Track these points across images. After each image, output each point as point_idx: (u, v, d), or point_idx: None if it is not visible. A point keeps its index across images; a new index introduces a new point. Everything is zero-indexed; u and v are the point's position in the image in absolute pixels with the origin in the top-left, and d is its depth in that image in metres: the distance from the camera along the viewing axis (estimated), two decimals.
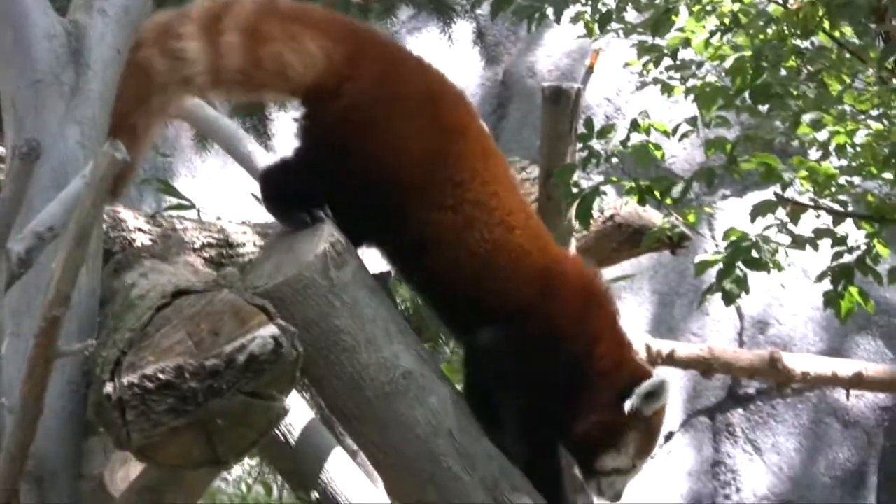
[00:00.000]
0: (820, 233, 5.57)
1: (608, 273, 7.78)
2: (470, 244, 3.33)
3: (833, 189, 5.49)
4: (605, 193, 5.52)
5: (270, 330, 3.40)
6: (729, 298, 5.53)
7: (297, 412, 4.36)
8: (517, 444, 3.37)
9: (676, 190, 5.43)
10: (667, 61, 5.82)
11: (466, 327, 3.45)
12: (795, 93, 5.35)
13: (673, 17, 5.79)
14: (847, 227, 5.71)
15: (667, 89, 5.86)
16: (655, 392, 3.22)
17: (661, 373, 3.33)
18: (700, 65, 5.76)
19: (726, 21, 5.79)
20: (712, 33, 5.79)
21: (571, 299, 3.34)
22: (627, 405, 3.24)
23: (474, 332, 3.42)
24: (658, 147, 5.83)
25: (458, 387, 3.76)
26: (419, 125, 3.19)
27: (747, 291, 5.54)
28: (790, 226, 5.51)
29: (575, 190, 5.53)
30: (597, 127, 5.73)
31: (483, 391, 3.44)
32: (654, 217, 6.32)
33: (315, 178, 3.34)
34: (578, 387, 3.20)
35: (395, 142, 3.20)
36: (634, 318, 10.27)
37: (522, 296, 3.29)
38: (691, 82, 5.76)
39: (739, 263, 5.42)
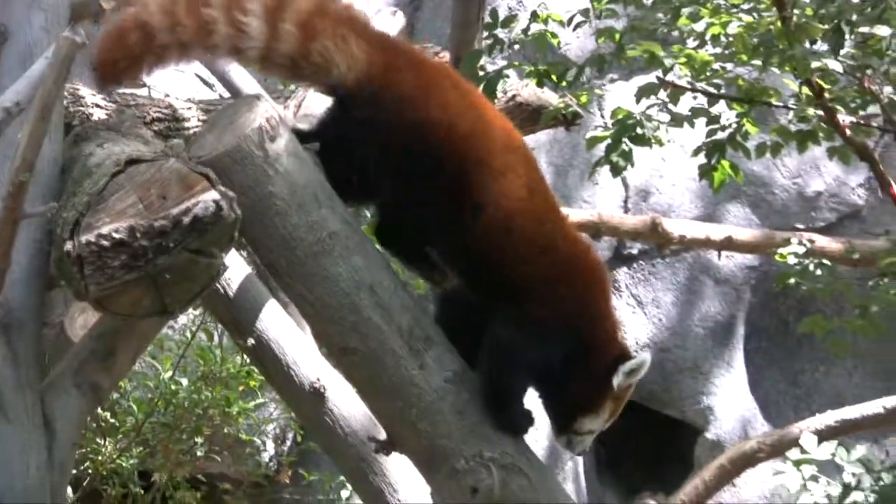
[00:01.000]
0: (696, 112, 5.74)
1: None
2: (516, 207, 3.29)
3: (708, 74, 5.65)
4: (507, 76, 5.64)
5: (212, 195, 3.45)
6: (616, 170, 5.69)
7: (236, 268, 4.43)
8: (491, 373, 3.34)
9: (571, 74, 5.55)
10: None
11: (493, 298, 3.39)
12: None
13: None
14: (720, 108, 5.87)
15: None
16: (637, 370, 3.27)
17: (642, 353, 3.37)
18: None
19: None
20: None
21: (577, 286, 3.33)
22: (615, 381, 3.28)
23: (497, 304, 3.37)
24: (554, 36, 5.96)
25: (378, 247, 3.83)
26: (457, 105, 3.18)
27: (632, 164, 5.71)
28: (670, 106, 5.67)
29: (481, 73, 5.64)
30: (501, 17, 5.82)
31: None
32: (550, 98, 6.43)
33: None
34: (574, 358, 3.23)
35: (446, 123, 3.17)
36: None
37: (543, 273, 3.28)
38: None
39: (625, 139, 5.58)
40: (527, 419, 3.34)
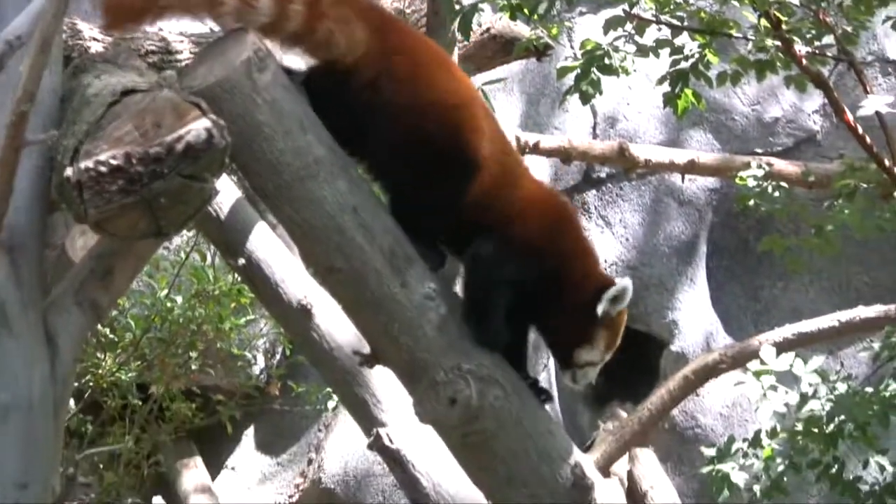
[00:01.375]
0: (661, 43, 5.78)
1: (486, 76, 7.95)
2: (495, 171, 3.36)
3: (672, 7, 5.68)
4: (482, 10, 5.65)
5: (204, 123, 3.48)
6: (585, 98, 5.75)
7: (227, 192, 4.47)
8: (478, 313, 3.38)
9: (542, 7, 5.57)
10: None
11: (466, 242, 3.45)
12: None
13: None
14: (683, 39, 5.90)
15: None
16: (620, 296, 3.31)
17: (623, 280, 3.39)
18: None
19: None
20: None
21: (545, 222, 3.37)
22: (599, 309, 3.32)
23: (470, 244, 3.43)
24: None
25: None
26: (450, 81, 3.26)
27: (600, 92, 5.75)
28: (636, 38, 5.69)
29: (457, 7, 5.65)
30: None
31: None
32: (523, 30, 6.48)
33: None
34: (555, 294, 3.27)
35: (444, 93, 3.24)
36: (507, 114, 10.42)
37: (509, 218, 3.35)
38: None
39: (594, 69, 5.62)
40: (502, 335, 3.36)
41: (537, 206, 3.34)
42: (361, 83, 3.14)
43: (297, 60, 3.67)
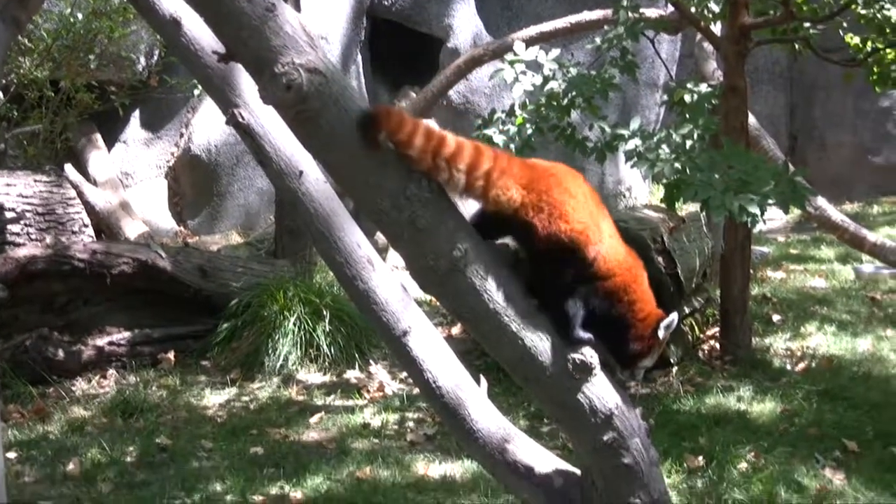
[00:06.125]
0: None
1: None
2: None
3: None
4: None
5: None
6: None
7: None
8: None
9: None
10: None
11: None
12: None
13: None
14: None
15: None
16: (671, 324, 3.66)
17: (672, 314, 3.68)
18: None
19: None
20: None
21: (622, 279, 3.64)
22: (661, 334, 3.63)
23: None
24: None
25: None
26: (571, 211, 3.50)
27: None
28: None
29: None
30: None
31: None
32: None
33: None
34: (625, 325, 3.63)
35: (568, 229, 3.49)
36: None
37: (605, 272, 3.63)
38: None
39: None
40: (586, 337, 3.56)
41: (622, 272, 3.65)
42: (518, 224, 3.46)
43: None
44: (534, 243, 3.50)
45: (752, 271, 8.45)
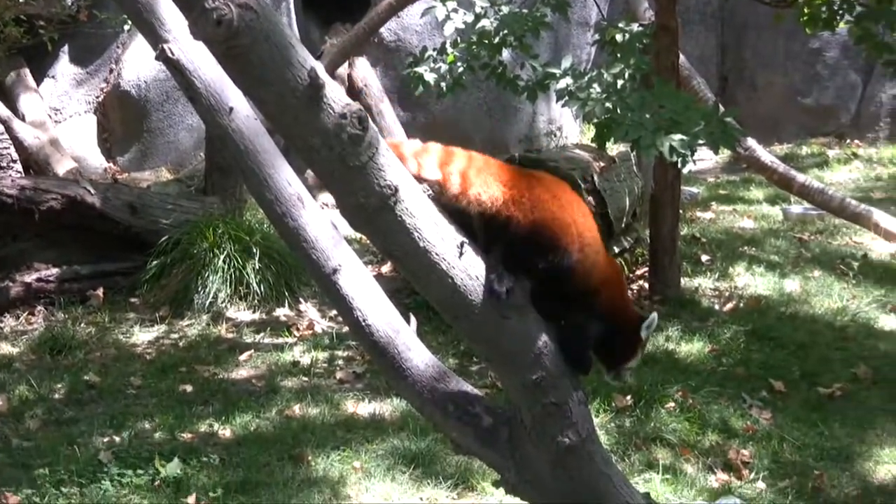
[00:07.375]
0: None
1: None
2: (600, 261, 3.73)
3: None
4: None
5: None
6: None
7: None
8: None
9: None
10: None
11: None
12: None
13: None
14: None
15: None
16: (653, 324, 3.77)
17: (652, 314, 3.75)
18: None
19: None
20: None
21: (617, 287, 3.82)
22: (643, 335, 3.71)
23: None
24: None
25: None
26: (553, 208, 3.57)
27: None
28: None
29: None
30: None
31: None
32: None
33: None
34: (615, 331, 3.70)
35: (548, 222, 3.55)
36: None
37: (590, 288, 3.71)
38: None
39: None
40: (590, 360, 3.67)
41: (607, 281, 3.79)
42: (500, 220, 3.50)
43: None
44: (512, 237, 3.49)
45: (681, 212, 8.63)
